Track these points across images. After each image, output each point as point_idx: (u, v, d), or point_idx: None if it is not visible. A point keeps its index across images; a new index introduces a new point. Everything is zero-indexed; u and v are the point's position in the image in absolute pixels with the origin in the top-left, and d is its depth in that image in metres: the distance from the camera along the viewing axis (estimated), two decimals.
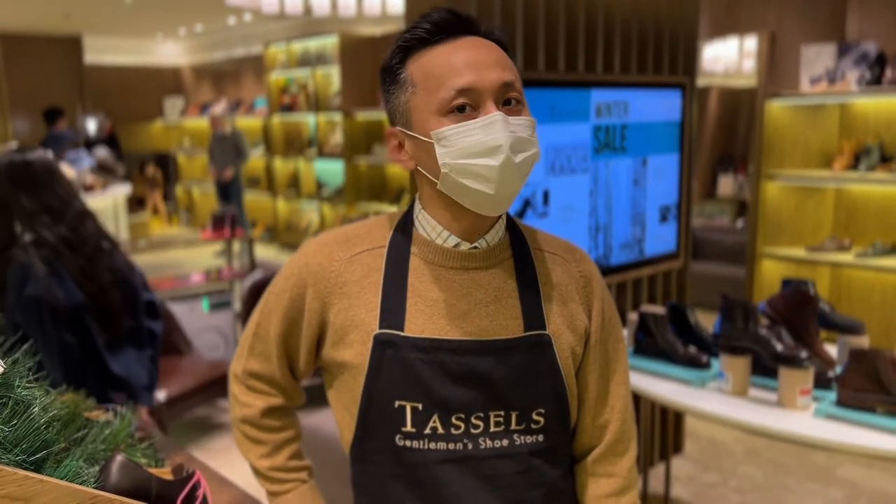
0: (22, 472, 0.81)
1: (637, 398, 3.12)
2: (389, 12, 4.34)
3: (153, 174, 11.12)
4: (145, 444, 1.16)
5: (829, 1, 4.77)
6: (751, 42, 6.68)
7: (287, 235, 9.40)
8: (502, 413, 1.08)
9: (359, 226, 1.18)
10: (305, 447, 2.94)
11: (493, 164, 0.99)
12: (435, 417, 1.06)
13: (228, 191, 8.43)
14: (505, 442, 1.09)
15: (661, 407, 3.23)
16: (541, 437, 1.11)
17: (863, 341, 2.36)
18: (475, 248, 1.10)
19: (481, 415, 1.07)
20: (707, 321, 2.57)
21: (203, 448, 3.76)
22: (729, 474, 3.33)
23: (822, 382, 2.14)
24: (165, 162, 11.65)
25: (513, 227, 1.16)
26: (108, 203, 6.27)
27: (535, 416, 1.10)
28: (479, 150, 0.99)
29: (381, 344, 1.07)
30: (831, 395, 2.09)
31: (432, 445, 1.07)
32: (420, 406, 1.06)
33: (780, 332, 2.24)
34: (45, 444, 0.92)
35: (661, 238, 3.23)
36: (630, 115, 2.95)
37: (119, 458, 0.96)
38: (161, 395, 3.51)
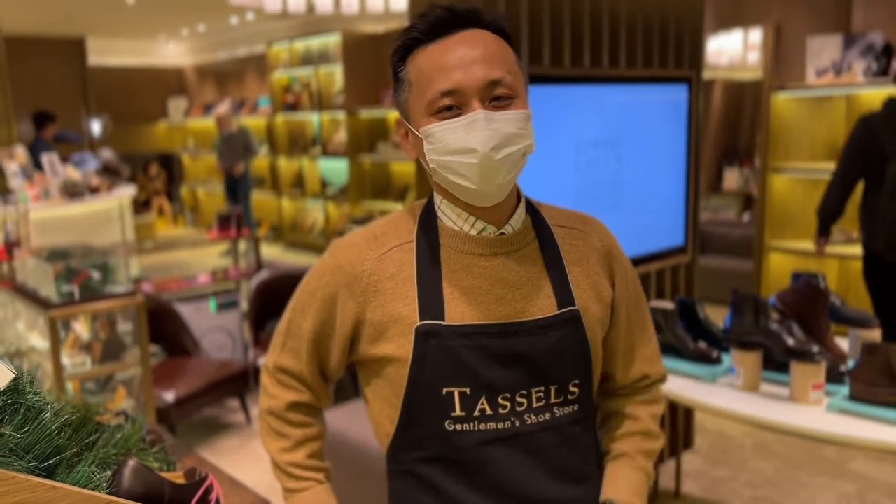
0: (35, 479, 0.81)
1: None
2: (392, 9, 4.33)
3: (157, 174, 11.13)
4: (156, 448, 1.16)
5: None
6: (755, 35, 6.64)
7: (292, 234, 9.40)
8: (543, 389, 1.13)
9: (384, 223, 1.20)
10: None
11: (472, 162, 1.04)
12: (483, 399, 1.11)
13: (237, 188, 8.44)
14: (547, 416, 1.14)
15: (672, 403, 3.21)
16: (576, 407, 1.17)
17: (874, 335, 2.35)
18: (502, 233, 1.14)
19: (525, 392, 1.12)
20: (714, 315, 2.56)
21: (212, 448, 3.76)
22: (739, 469, 3.32)
23: (834, 377, 2.13)
24: (170, 162, 11.66)
25: (531, 208, 1.20)
26: (113, 205, 6.27)
27: (571, 388, 1.16)
28: (461, 147, 1.04)
29: (423, 335, 1.10)
30: (844, 390, 2.08)
31: (482, 426, 1.11)
32: (468, 390, 1.10)
33: (791, 327, 2.22)
34: (56, 450, 0.92)
35: (668, 232, 3.22)
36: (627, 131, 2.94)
37: (131, 462, 0.95)
38: (170, 395, 3.52)
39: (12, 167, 5.72)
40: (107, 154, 6.82)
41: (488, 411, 1.11)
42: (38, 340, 3.16)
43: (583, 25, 2.72)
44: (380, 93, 8.05)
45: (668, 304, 2.54)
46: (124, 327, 3.27)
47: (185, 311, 4.22)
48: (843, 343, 2.40)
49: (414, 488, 1.18)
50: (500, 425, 1.12)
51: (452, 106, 1.05)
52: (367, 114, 8.05)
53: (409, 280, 1.13)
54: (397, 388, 1.13)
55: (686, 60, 3.15)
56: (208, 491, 1.03)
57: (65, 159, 6.33)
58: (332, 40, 8.23)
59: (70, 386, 3.21)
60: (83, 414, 1.16)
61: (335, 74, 8.37)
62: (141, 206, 10.77)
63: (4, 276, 3.63)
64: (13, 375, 0.85)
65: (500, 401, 1.11)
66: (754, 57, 7.25)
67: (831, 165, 4.52)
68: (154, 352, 4.24)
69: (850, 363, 2.23)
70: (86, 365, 2.99)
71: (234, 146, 8.25)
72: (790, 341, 2.16)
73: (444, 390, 1.11)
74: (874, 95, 4.49)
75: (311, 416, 1.28)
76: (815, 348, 2.09)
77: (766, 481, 3.21)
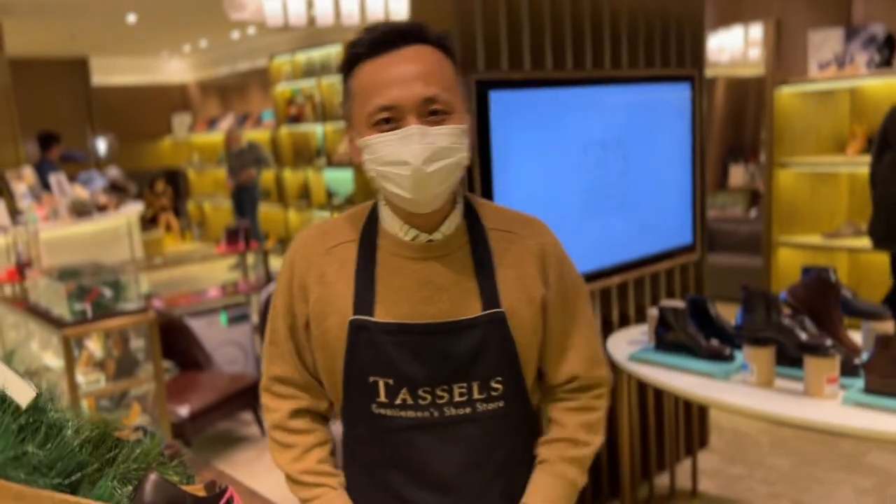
0: (59, 496, 0.82)
1: (660, 393, 3.10)
2: (393, 18, 4.35)
3: (163, 191, 11.18)
4: (175, 462, 1.16)
5: None
6: (756, 30, 6.63)
7: None
8: (465, 385, 1.21)
9: (335, 220, 1.30)
10: None
11: (405, 174, 1.11)
12: (404, 391, 1.21)
13: (243, 201, 8.47)
14: (468, 409, 1.22)
15: (685, 402, 3.21)
16: (501, 404, 1.24)
17: (887, 326, 2.33)
18: (431, 240, 1.22)
19: (445, 387, 1.21)
20: (726, 313, 2.55)
21: (227, 461, 3.77)
22: (756, 466, 3.31)
23: (848, 370, 2.12)
24: (175, 178, 11.71)
25: (470, 212, 1.26)
26: (121, 222, 6.31)
27: (493, 385, 1.22)
28: (394, 159, 1.11)
29: (355, 328, 1.20)
30: (859, 383, 2.07)
31: (403, 414, 1.22)
32: (391, 381, 1.20)
33: (804, 321, 2.21)
34: (79, 466, 0.93)
35: (676, 231, 3.21)
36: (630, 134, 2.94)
37: (152, 476, 0.96)
38: (184, 410, 3.53)
39: (21, 188, 5.77)
40: (113, 172, 6.86)
41: (409, 401, 1.21)
42: (53, 360, 3.19)
43: (584, 27, 2.73)
44: None
45: (678, 303, 2.54)
46: (137, 343, 3.29)
47: (197, 325, 4.23)
48: (856, 336, 2.39)
49: (351, 461, 1.30)
50: (420, 414, 1.21)
51: (390, 119, 1.12)
52: None
53: (349, 276, 1.22)
54: (337, 371, 1.24)
55: (688, 59, 3.16)
56: (229, 502, 1.04)
57: (72, 178, 6.37)
58: (334, 51, 8.26)
59: (85, 404, 3.22)
60: (103, 430, 1.17)
61: (337, 85, 8.37)
62: (148, 222, 10.81)
63: (17, 296, 3.66)
64: (35, 393, 0.86)
65: (420, 393, 1.21)
66: (755, 53, 7.24)
67: (838, 158, 4.51)
68: (167, 367, 4.25)
69: (864, 356, 2.22)
70: (100, 382, 3.01)
71: (245, 161, 8.31)
72: (803, 336, 2.15)
73: (371, 378, 1.21)
74: (878, 87, 4.48)
75: (314, 423, 1.32)
76: (829, 342, 2.08)
77: (782, 478, 3.19)
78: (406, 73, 1.12)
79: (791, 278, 4.25)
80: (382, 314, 1.20)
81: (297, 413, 1.30)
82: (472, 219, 1.25)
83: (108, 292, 2.93)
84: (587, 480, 1.33)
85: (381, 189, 1.18)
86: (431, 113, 1.12)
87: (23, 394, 0.84)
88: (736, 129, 8.36)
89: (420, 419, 1.21)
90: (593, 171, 2.78)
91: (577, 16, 2.70)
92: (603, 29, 2.79)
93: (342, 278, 1.22)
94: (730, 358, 2.34)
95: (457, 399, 1.21)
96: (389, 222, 1.23)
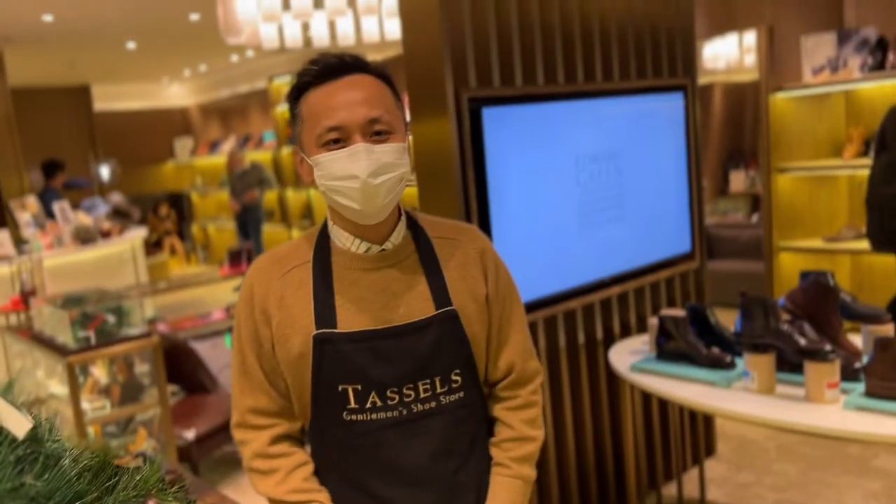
0: None
1: (665, 402, 3.10)
2: (388, 38, 4.38)
3: (167, 214, 11.23)
4: (176, 488, 1.17)
5: None
6: (750, 37, 6.66)
7: None
8: (428, 381, 1.30)
9: (287, 246, 1.37)
10: None
11: (354, 186, 1.21)
12: (373, 394, 1.28)
13: (247, 223, 8.51)
14: (433, 404, 1.31)
15: (690, 410, 3.21)
16: (462, 394, 1.34)
17: (887, 329, 2.33)
18: (383, 249, 1.31)
19: (411, 385, 1.29)
20: (728, 320, 2.56)
21: (234, 485, 3.77)
22: (764, 473, 3.29)
23: (849, 374, 2.12)
24: (179, 202, 11.76)
25: (413, 225, 1.37)
26: (126, 247, 6.34)
27: (453, 377, 1.32)
28: (344, 174, 1.22)
29: (320, 342, 1.27)
30: (860, 387, 2.07)
31: (373, 416, 1.29)
32: (360, 387, 1.28)
33: (803, 327, 2.22)
34: (77, 496, 0.94)
35: (674, 239, 3.22)
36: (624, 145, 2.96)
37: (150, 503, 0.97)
38: (190, 433, 3.54)
39: (25, 217, 5.81)
40: (116, 198, 6.91)
41: (378, 403, 1.28)
42: (58, 387, 3.20)
43: (574, 41, 2.76)
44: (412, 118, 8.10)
45: (678, 312, 2.54)
46: (142, 368, 3.30)
47: (202, 348, 4.24)
48: (856, 340, 2.39)
49: (326, 469, 1.35)
50: (390, 414, 1.29)
51: (338, 139, 1.22)
52: None
53: (307, 295, 1.30)
54: (305, 386, 1.30)
55: (680, 68, 3.18)
56: None
57: (75, 206, 6.42)
58: None
59: (91, 430, 3.23)
60: (102, 458, 1.18)
61: None
62: (153, 246, 10.85)
63: (22, 325, 3.68)
64: (31, 425, 0.87)
65: (388, 394, 1.28)
66: (751, 59, 7.27)
67: (836, 162, 4.51)
68: (173, 390, 4.27)
69: (865, 359, 2.22)
70: (105, 409, 3.03)
71: (248, 182, 8.35)
72: (802, 341, 2.16)
73: (340, 387, 1.28)
74: (872, 90, 4.50)
75: (293, 447, 1.35)
76: (828, 347, 2.08)
77: (791, 484, 3.18)
78: (351, 97, 1.23)
79: (794, 283, 4.24)
80: (345, 325, 1.28)
81: (275, 440, 1.33)
82: (416, 229, 1.36)
83: (111, 318, 2.95)
84: (569, 485, 1.37)
85: (332, 203, 1.27)
86: (375, 133, 1.23)
87: (19, 426, 0.86)
88: (735, 135, 8.37)
89: (390, 419, 1.29)
90: (587, 185, 2.80)
91: (566, 30, 2.72)
92: (593, 42, 2.82)
93: (301, 298, 1.29)
94: (730, 365, 2.34)
95: (422, 395, 1.30)
96: (341, 239, 1.32)
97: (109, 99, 11.11)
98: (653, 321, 2.63)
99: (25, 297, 3.64)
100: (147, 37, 7.42)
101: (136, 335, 3.04)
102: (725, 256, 6.51)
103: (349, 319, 1.28)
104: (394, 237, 1.32)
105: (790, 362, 2.20)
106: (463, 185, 2.43)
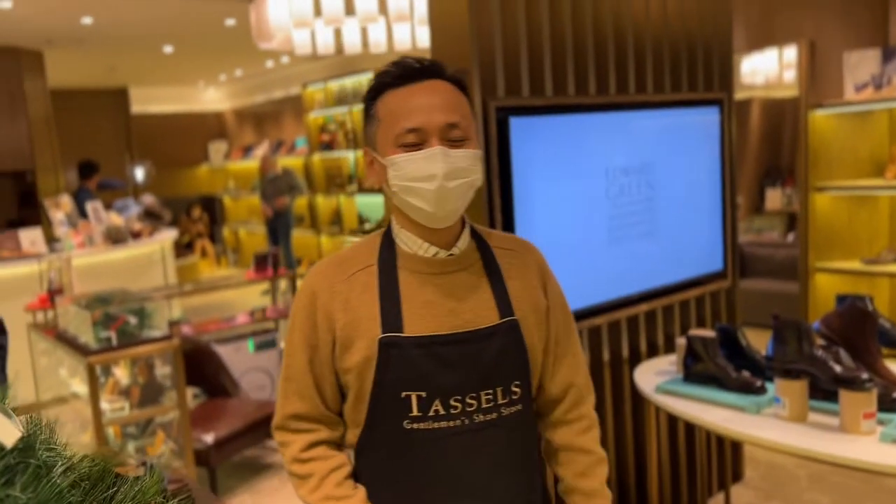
0: None
1: (691, 424, 3.01)
2: (420, 45, 4.36)
3: (199, 217, 11.34)
4: (175, 501, 1.14)
5: (868, 5, 4.64)
6: (790, 52, 6.53)
7: None
8: (491, 391, 1.29)
9: (348, 250, 1.37)
10: None
11: (429, 188, 1.22)
12: (437, 401, 1.26)
13: (277, 228, 8.55)
14: (494, 415, 1.30)
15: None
16: (520, 406, 1.33)
17: None
18: (451, 254, 1.31)
19: (474, 394, 1.28)
20: (760, 341, 2.47)
21: (252, 490, 3.75)
22: (793, 502, 3.18)
23: (886, 404, 2.03)
24: (212, 205, 11.89)
25: (475, 233, 1.37)
26: (155, 248, 6.40)
27: (514, 388, 1.32)
28: (420, 175, 1.22)
29: (385, 346, 1.26)
30: None
31: (435, 425, 1.27)
32: (424, 394, 1.26)
33: (838, 353, 2.13)
34: None
35: (706, 257, 3.14)
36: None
37: None
38: (209, 437, 3.52)
39: (58, 216, 5.89)
40: (148, 199, 6.98)
41: (441, 412, 1.27)
42: (80, 386, 3.21)
43: (608, 52, 2.70)
44: None
45: (707, 333, 2.46)
46: (163, 371, 3.30)
47: (225, 351, 4.24)
48: (895, 368, 2.28)
49: (376, 484, 1.32)
50: (452, 423, 1.27)
51: (415, 142, 1.23)
52: None
53: (372, 298, 1.29)
54: (363, 394, 1.28)
55: (716, 82, 3.10)
56: None
57: (108, 206, 6.49)
58: (365, 80, 8.35)
59: (111, 431, 3.24)
60: (102, 466, 1.15)
61: None
62: (184, 248, 10.97)
63: (49, 323, 3.71)
64: (19, 434, 0.84)
65: (451, 402, 1.27)
66: (790, 75, 7.12)
67: (877, 182, 4.38)
68: (195, 393, 4.27)
69: None
70: (124, 410, 3.02)
71: (279, 187, 8.40)
72: (837, 368, 2.06)
73: (403, 394, 1.26)
74: None
75: (330, 450, 1.34)
76: (865, 375, 1.99)
77: None
78: (430, 101, 1.25)
79: (830, 305, 4.11)
80: (411, 329, 1.26)
81: (313, 445, 1.33)
82: (478, 238, 1.37)
83: (132, 320, 2.95)
84: None
85: (402, 204, 1.27)
86: (451, 138, 1.24)
87: (7, 434, 0.82)
88: (772, 152, 8.21)
89: (451, 428, 1.27)
90: (617, 198, 2.73)
91: (599, 40, 2.67)
92: (627, 53, 2.76)
93: (366, 302, 1.28)
94: (761, 390, 2.25)
95: (484, 405, 1.28)
96: (408, 243, 1.31)
97: (146, 101, 11.28)
98: (681, 341, 2.55)
99: (52, 296, 3.67)
100: (184, 41, 7.52)
101: (157, 337, 3.03)
102: (759, 276, 6.36)
103: (415, 324, 1.27)
104: (460, 243, 1.33)
105: (824, 390, 2.11)
106: (488, 195, 2.38)
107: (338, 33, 4.35)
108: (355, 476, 1.34)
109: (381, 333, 1.26)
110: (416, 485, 1.29)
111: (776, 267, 6.28)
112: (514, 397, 1.32)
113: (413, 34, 4.33)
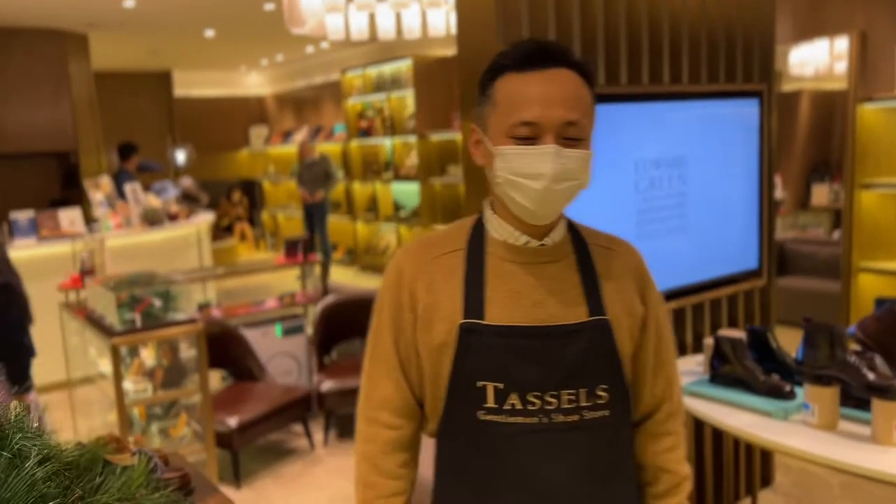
0: None
1: (718, 430, 2.92)
2: (454, 32, 4.29)
3: (239, 201, 11.47)
4: (157, 495, 1.11)
5: None
6: (841, 43, 6.29)
7: (367, 258, 9.48)
8: (573, 392, 1.22)
9: (437, 233, 1.34)
10: None
11: (535, 187, 1.16)
12: (514, 395, 1.20)
13: (313, 214, 8.60)
14: (576, 417, 1.22)
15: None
16: (607, 413, 1.24)
17: None
18: (543, 244, 1.25)
19: (554, 393, 1.21)
20: (797, 341, 2.36)
21: (275, 474, 3.77)
22: None
23: None
24: (251, 189, 12.00)
25: (571, 226, 1.31)
26: (191, 231, 6.47)
27: (599, 393, 1.23)
28: (527, 172, 1.16)
29: (465, 332, 1.21)
30: None
31: (511, 419, 1.21)
32: (501, 385, 1.20)
33: (873, 360, 2.03)
34: (42, 499, 0.89)
35: (740, 255, 3.03)
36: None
37: None
38: (233, 421, 3.55)
39: (98, 196, 5.98)
40: (186, 182, 7.06)
41: (518, 406, 1.21)
42: (107, 367, 3.25)
43: (641, 41, 2.61)
44: (450, 116, 8.06)
45: (737, 333, 2.37)
46: (189, 354, 3.32)
47: (252, 336, 4.27)
48: None
49: (450, 472, 1.29)
50: (529, 420, 1.21)
51: (529, 135, 1.16)
52: (437, 137, 8.06)
53: (457, 282, 1.24)
54: (441, 380, 1.24)
55: (756, 73, 2.98)
56: None
57: (147, 188, 6.58)
58: (404, 65, 8.31)
59: (136, 411, 3.27)
60: (91, 455, 1.13)
61: (407, 99, 8.43)
62: (224, 231, 11.11)
63: (81, 303, 3.77)
64: None
65: (529, 398, 1.21)
66: (841, 67, 6.87)
67: None
68: (223, 376, 4.31)
69: None
70: (147, 391, 3.05)
71: (315, 173, 8.43)
72: (871, 376, 1.97)
73: (479, 383, 1.21)
74: None
75: (402, 468, 1.30)
76: None
77: None
78: (552, 93, 1.17)
79: (872, 306, 3.96)
80: (493, 317, 1.22)
81: (390, 450, 1.29)
82: (574, 232, 1.31)
83: (157, 302, 2.96)
84: None
85: (502, 195, 1.22)
86: (568, 136, 1.17)
87: None
88: (821, 146, 7.96)
89: (528, 425, 1.21)
90: (647, 192, 2.64)
91: (632, 29, 2.58)
92: (661, 43, 2.66)
93: (450, 285, 1.25)
94: (790, 395, 2.16)
95: (565, 406, 1.22)
96: (499, 230, 1.27)
97: (189, 85, 11.42)
98: (708, 341, 2.47)
99: (83, 276, 3.72)
100: (224, 25, 7.56)
101: (181, 320, 3.05)
102: (801, 273, 6.18)
103: (498, 312, 1.22)
104: (554, 234, 1.27)
105: (856, 398, 2.02)
106: None
107: (371, 18, 4.31)
108: (436, 462, 1.31)
109: (461, 319, 1.22)
110: (490, 478, 1.24)
111: (819, 265, 6.09)
112: (600, 401, 1.24)
113: (448, 19, 4.26)
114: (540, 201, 1.17)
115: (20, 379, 2.67)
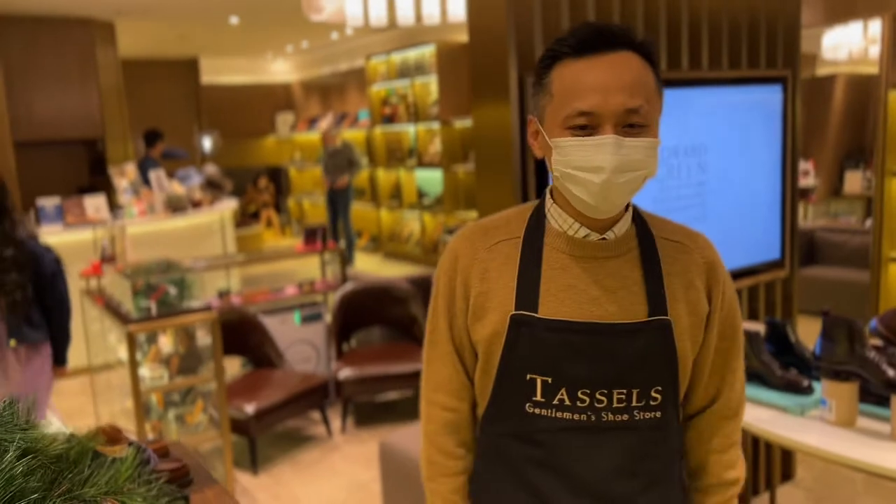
0: None
1: None
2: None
3: (265, 187, 11.54)
4: (144, 489, 1.10)
5: None
6: (876, 26, 6.11)
7: (390, 245, 9.49)
8: (624, 391, 1.17)
9: (496, 218, 1.29)
10: (386, 464, 2.86)
11: (594, 181, 1.10)
12: (563, 391, 1.17)
13: (337, 201, 8.61)
14: (625, 416, 1.18)
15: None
16: (658, 414, 1.20)
17: None
18: (604, 239, 1.19)
19: (605, 391, 1.17)
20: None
21: (292, 461, 3.79)
22: None
23: None
24: (278, 175, 12.07)
25: (638, 218, 1.24)
26: (215, 218, 6.51)
27: (653, 394, 1.19)
28: (586, 165, 1.10)
29: (516, 323, 1.18)
30: None
31: (559, 414, 1.18)
32: (550, 380, 1.17)
33: (894, 355, 1.96)
34: (20, 494, 0.88)
35: (762, 245, 2.96)
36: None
37: None
38: (250, 408, 3.57)
39: (123, 183, 6.05)
40: (210, 169, 7.10)
41: (567, 402, 1.18)
42: (125, 353, 3.28)
43: (659, 26, 2.54)
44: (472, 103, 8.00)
45: (755, 326, 2.32)
46: (206, 341, 3.34)
47: (271, 323, 4.28)
48: None
49: (494, 460, 1.27)
50: (577, 416, 1.18)
51: (586, 125, 1.10)
52: (460, 124, 8.01)
53: (512, 272, 1.20)
54: (491, 369, 1.22)
55: (780, 58, 2.90)
56: None
57: (171, 175, 6.63)
58: (428, 52, 8.26)
59: (154, 398, 3.31)
60: (80, 447, 1.13)
61: (430, 85, 8.39)
62: (250, 217, 11.20)
63: (101, 290, 3.81)
64: None
65: (579, 394, 1.17)
66: (876, 50, 6.68)
67: None
68: (243, 363, 4.33)
69: None
70: (163, 378, 3.07)
71: (338, 161, 8.44)
72: (891, 372, 1.90)
73: (528, 376, 1.18)
74: None
75: (460, 448, 1.32)
76: None
77: None
78: (610, 80, 1.10)
79: None
80: (546, 311, 1.18)
81: (448, 431, 1.31)
82: (640, 225, 1.24)
83: (173, 290, 2.98)
84: None
85: (562, 188, 1.17)
86: (629, 124, 1.10)
87: None
88: (855, 132, 7.77)
89: (576, 421, 1.19)
90: (665, 180, 2.59)
91: (650, 13, 2.51)
92: (680, 27, 2.59)
93: (505, 274, 1.21)
94: (807, 390, 2.11)
95: (615, 405, 1.18)
96: (559, 220, 1.22)
97: (216, 72, 11.48)
98: None
99: (103, 264, 3.76)
100: (249, 12, 7.57)
101: (196, 308, 3.06)
102: (831, 263, 6.05)
103: (552, 306, 1.18)
104: (617, 228, 1.20)
105: (876, 394, 1.96)
106: (522, 175, 2.29)
107: (391, 4, 4.27)
108: (479, 446, 1.32)
109: (513, 309, 1.18)
110: (531, 472, 1.23)
111: (850, 254, 5.95)
112: (653, 403, 1.19)
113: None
114: (600, 196, 1.11)
115: (63, 358, 2.81)
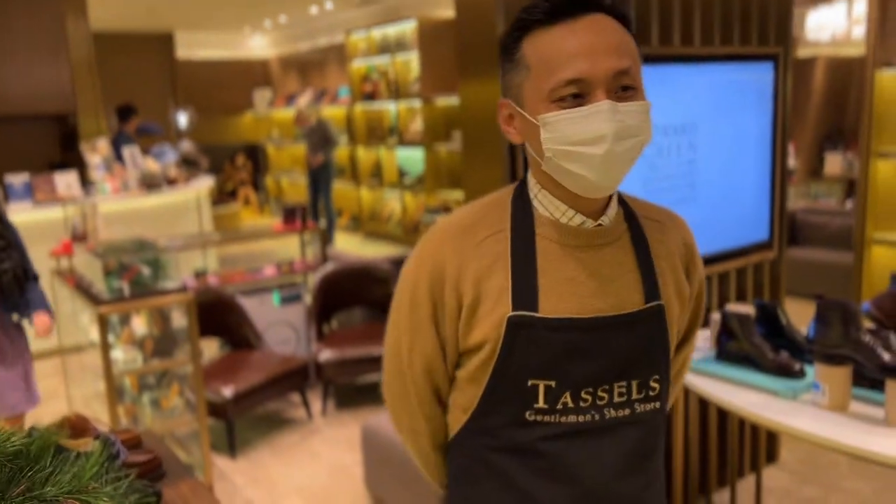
0: None
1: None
2: None
3: (243, 165, 11.35)
4: (110, 488, 1.03)
5: None
6: (860, 6, 6.09)
7: (371, 224, 9.39)
8: (625, 384, 1.11)
9: (470, 213, 1.16)
10: (367, 447, 2.80)
11: (595, 153, 1.01)
12: (567, 393, 1.09)
13: (318, 179, 8.49)
14: (627, 411, 1.12)
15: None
16: (657, 404, 1.15)
17: None
18: (600, 225, 1.12)
19: (606, 387, 1.10)
20: (806, 313, 2.26)
21: (271, 444, 3.72)
22: (831, 489, 3.00)
23: None
24: (255, 153, 11.88)
25: (621, 200, 1.17)
26: (191, 196, 6.37)
27: (652, 384, 1.13)
28: (583, 137, 1.01)
29: (514, 326, 1.07)
30: None
31: (562, 419, 1.10)
32: (553, 384, 1.08)
33: (888, 339, 1.92)
34: None
35: (750, 226, 2.92)
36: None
37: None
38: (228, 391, 3.49)
39: (95, 160, 5.88)
40: (185, 146, 6.94)
41: (570, 405, 1.10)
42: (97, 335, 3.18)
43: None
44: (455, 80, 7.89)
45: (745, 308, 2.27)
46: (181, 322, 3.24)
47: (249, 304, 4.19)
48: None
49: (481, 476, 1.17)
50: (581, 418, 1.11)
51: (576, 94, 1.01)
52: (442, 101, 7.90)
53: (504, 270, 1.10)
54: (479, 377, 1.12)
55: (772, 36, 2.84)
56: None
57: (146, 152, 6.47)
58: (409, 27, 8.12)
59: (127, 382, 3.21)
60: (42, 441, 1.05)
61: (412, 62, 8.26)
62: (228, 195, 11.02)
63: (72, 270, 3.69)
64: None
65: (582, 395, 1.10)
66: (860, 31, 6.67)
67: None
68: (221, 344, 4.24)
69: None
70: (136, 361, 2.98)
71: (314, 140, 8.31)
72: (885, 356, 1.87)
73: (530, 382, 1.09)
74: None
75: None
76: None
77: None
78: (594, 43, 1.01)
79: (885, 281, 3.85)
80: (547, 309, 1.08)
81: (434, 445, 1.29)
82: (624, 206, 1.17)
83: (146, 270, 2.88)
84: None
85: (554, 170, 1.06)
86: (623, 85, 1.02)
87: None
88: (836, 114, 7.78)
89: (579, 424, 1.11)
90: (654, 160, 2.53)
91: None
92: (672, 3, 2.52)
93: (496, 273, 1.10)
94: (799, 374, 2.07)
95: (616, 400, 1.11)
96: (549, 208, 1.12)
97: (192, 47, 11.23)
98: (715, 316, 2.37)
99: (74, 242, 3.64)
100: None
101: (170, 289, 2.97)
102: (812, 244, 6.06)
103: (553, 303, 1.08)
104: (610, 211, 1.13)
105: (870, 378, 1.92)
106: (510, 154, 2.21)
107: None
108: (456, 471, 1.23)
109: (510, 311, 1.07)
110: (528, 482, 1.13)
111: (831, 236, 5.96)
112: (652, 393, 1.13)
113: None
114: (603, 169, 1.02)
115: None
